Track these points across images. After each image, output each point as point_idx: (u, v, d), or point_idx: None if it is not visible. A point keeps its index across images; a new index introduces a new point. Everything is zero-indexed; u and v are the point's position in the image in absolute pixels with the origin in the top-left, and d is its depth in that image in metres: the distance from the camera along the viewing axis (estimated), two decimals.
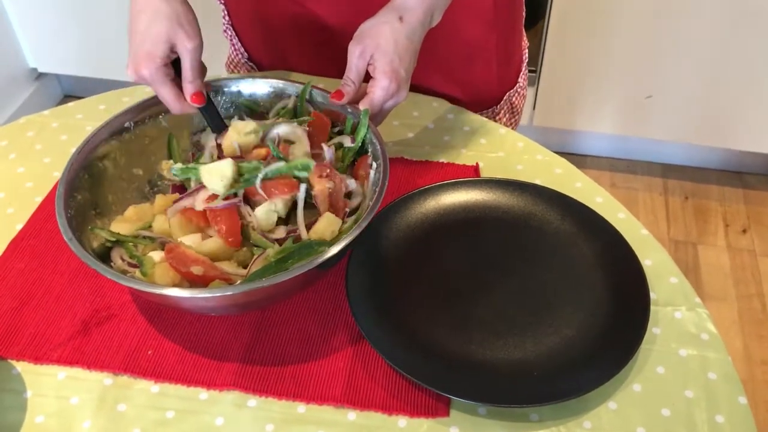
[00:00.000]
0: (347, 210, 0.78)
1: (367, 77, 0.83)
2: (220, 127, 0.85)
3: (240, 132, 0.82)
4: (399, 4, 0.82)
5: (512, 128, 1.17)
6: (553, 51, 1.96)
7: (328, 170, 0.77)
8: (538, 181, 0.89)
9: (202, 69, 0.83)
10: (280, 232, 0.76)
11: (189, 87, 0.81)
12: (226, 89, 0.89)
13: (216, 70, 1.31)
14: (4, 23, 2.25)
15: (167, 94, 0.81)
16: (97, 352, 0.74)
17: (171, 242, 0.75)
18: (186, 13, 0.81)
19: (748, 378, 1.70)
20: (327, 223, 0.74)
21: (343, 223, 0.77)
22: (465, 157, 0.95)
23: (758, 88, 1.92)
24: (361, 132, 0.81)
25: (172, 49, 0.80)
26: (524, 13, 1.11)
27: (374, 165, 0.79)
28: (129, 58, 0.81)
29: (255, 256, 0.74)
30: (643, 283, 0.76)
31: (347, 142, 0.82)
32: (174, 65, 0.82)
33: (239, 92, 0.89)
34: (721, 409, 0.69)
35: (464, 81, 1.06)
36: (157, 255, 0.75)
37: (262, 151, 0.80)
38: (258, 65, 1.15)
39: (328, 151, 0.80)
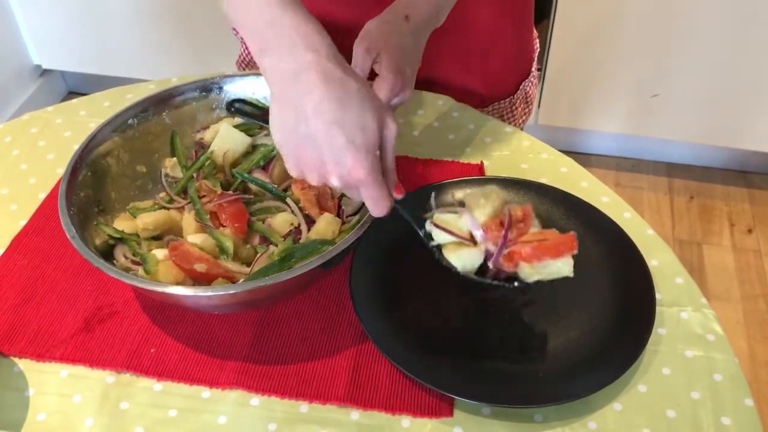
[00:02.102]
0: (343, 209, 0.78)
1: (372, 76, 0.82)
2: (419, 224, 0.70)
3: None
4: (405, 3, 0.82)
5: (526, 119, 1.17)
6: (558, 49, 1.95)
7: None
8: (543, 180, 0.89)
9: None
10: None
11: (392, 176, 0.66)
12: (228, 86, 0.89)
13: (227, 69, 1.32)
14: (9, 20, 2.25)
15: (386, 193, 0.64)
16: (100, 349, 0.74)
17: (176, 240, 0.76)
18: (368, 85, 0.63)
19: (752, 379, 1.70)
20: (326, 223, 0.75)
21: (345, 222, 0.77)
22: (470, 155, 0.95)
23: (764, 88, 1.91)
24: None
25: None
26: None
27: None
28: (329, 161, 0.60)
29: (258, 255, 0.74)
30: (648, 283, 0.76)
31: None
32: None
33: (242, 89, 0.89)
34: (727, 410, 0.69)
35: (483, 71, 1.06)
36: (160, 253, 0.75)
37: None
38: None
39: None
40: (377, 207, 0.64)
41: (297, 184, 0.79)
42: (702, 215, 2.09)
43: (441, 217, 0.69)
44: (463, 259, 0.68)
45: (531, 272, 0.67)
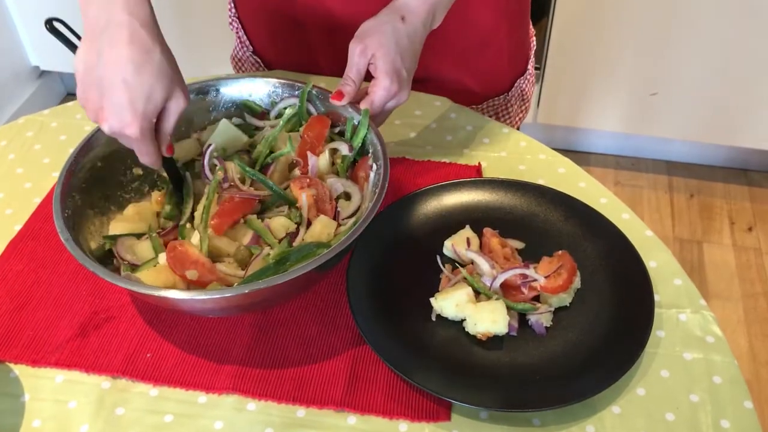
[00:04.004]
0: (339, 211, 0.77)
1: (368, 77, 0.82)
2: (179, 180, 0.81)
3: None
4: (401, 5, 0.81)
5: (523, 116, 1.18)
6: (557, 48, 1.94)
7: (308, 180, 0.78)
8: (541, 181, 0.89)
9: None
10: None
11: (166, 138, 0.74)
12: (224, 88, 0.88)
13: (221, 64, 1.31)
14: (7, 21, 2.25)
15: (153, 151, 0.73)
16: (96, 355, 0.74)
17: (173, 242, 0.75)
18: (173, 61, 0.71)
19: (753, 378, 1.69)
20: (322, 226, 0.74)
21: (341, 224, 0.76)
22: (467, 156, 0.94)
23: (763, 86, 1.91)
24: (361, 132, 0.80)
25: None
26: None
27: (374, 166, 0.78)
28: (107, 109, 0.68)
29: (253, 257, 0.73)
30: (647, 285, 0.75)
31: (344, 149, 0.81)
32: None
33: (239, 92, 0.89)
34: (727, 413, 0.68)
35: (477, 68, 1.06)
36: (162, 257, 0.74)
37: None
38: (263, 59, 1.14)
39: (312, 159, 0.80)
40: (143, 158, 0.73)
41: (296, 185, 0.78)
42: (702, 213, 2.09)
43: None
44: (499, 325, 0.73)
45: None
